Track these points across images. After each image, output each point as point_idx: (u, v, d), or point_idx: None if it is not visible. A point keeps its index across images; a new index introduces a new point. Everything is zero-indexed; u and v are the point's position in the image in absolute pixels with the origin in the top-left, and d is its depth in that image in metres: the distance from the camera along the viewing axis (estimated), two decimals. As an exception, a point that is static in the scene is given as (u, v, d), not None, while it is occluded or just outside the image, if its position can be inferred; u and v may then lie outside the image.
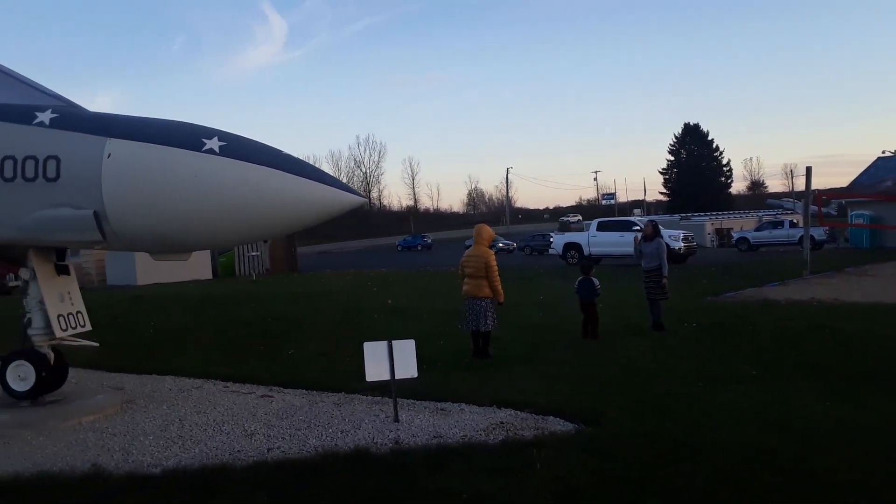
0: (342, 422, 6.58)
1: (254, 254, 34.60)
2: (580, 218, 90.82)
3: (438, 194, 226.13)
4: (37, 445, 6.08)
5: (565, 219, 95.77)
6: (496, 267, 9.26)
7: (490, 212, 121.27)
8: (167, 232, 6.40)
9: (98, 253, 29.90)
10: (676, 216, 63.66)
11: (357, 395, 7.56)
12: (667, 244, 12.27)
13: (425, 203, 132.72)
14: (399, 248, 70.24)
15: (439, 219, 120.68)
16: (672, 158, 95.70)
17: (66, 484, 5.15)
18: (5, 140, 6.37)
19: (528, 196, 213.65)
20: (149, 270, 28.79)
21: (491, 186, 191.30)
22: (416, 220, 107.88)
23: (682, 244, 29.31)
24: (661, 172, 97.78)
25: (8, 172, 6.31)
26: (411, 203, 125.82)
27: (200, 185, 6.21)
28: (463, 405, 6.98)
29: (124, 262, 29.67)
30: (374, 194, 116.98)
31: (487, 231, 9.68)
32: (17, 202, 6.34)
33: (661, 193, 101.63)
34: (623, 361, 9.03)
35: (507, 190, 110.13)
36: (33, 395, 6.85)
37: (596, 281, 10.93)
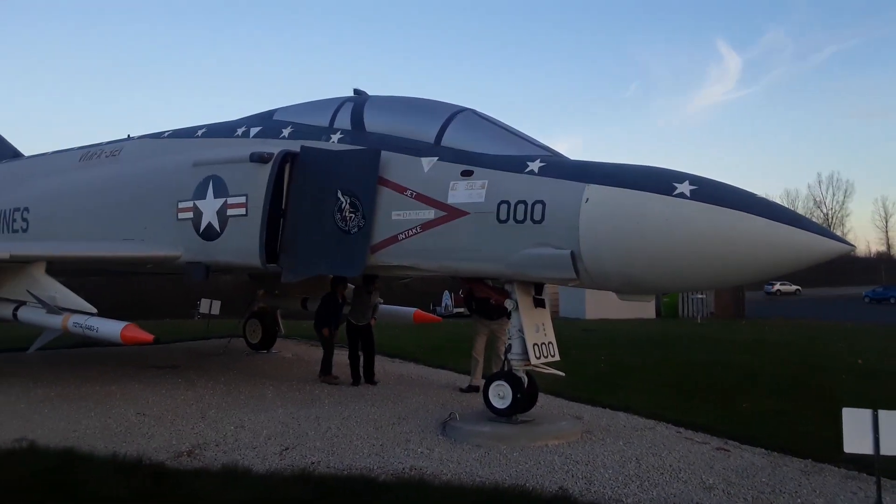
0: (812, 493, 5.91)
1: (699, 296, 33.91)
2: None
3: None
4: (511, 459, 6.76)
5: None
6: None
7: None
8: (635, 273, 6.61)
9: (552, 286, 32.64)
10: None
11: (827, 465, 6.72)
12: None
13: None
14: (867, 300, 61.36)
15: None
16: None
17: (537, 500, 5.62)
18: (502, 186, 7.32)
19: None
20: (597, 305, 30.33)
21: None
22: (889, 268, 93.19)
23: None
24: None
25: (503, 215, 7.23)
26: (884, 249, 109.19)
27: (671, 229, 6.30)
28: (974, 503, 5.68)
29: (576, 296, 31.78)
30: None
31: None
32: (508, 241, 7.22)
33: None
34: None
35: None
36: (509, 413, 7.65)
37: None
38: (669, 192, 6.40)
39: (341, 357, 11.41)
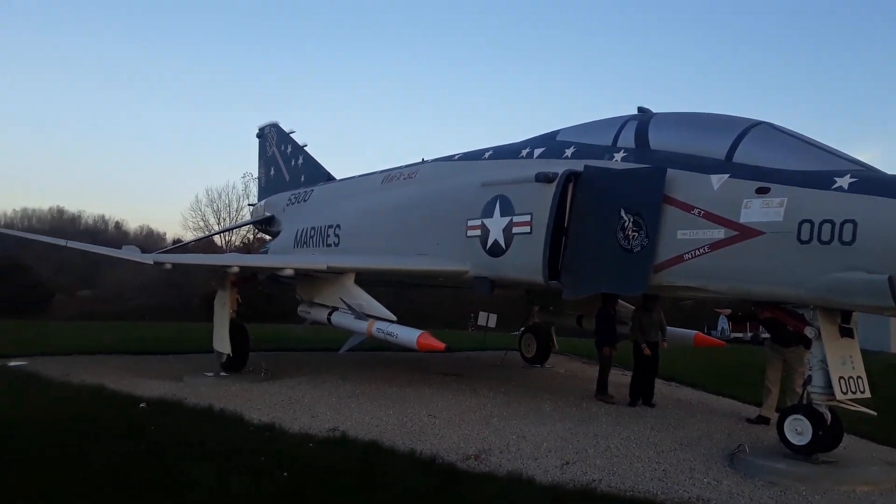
0: None
1: None
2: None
3: None
4: (812, 502, 6.19)
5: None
6: None
7: None
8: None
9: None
10: None
11: None
12: None
13: None
14: None
15: None
16: None
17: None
18: (804, 204, 6.78)
19: None
20: (908, 338, 26.51)
21: None
22: None
23: None
24: None
25: (804, 235, 6.69)
26: None
27: None
28: None
29: (878, 325, 28.07)
30: None
31: None
32: (810, 264, 6.66)
33: None
34: None
35: None
36: (807, 451, 7.01)
37: None
38: None
39: (614, 377, 11.30)
